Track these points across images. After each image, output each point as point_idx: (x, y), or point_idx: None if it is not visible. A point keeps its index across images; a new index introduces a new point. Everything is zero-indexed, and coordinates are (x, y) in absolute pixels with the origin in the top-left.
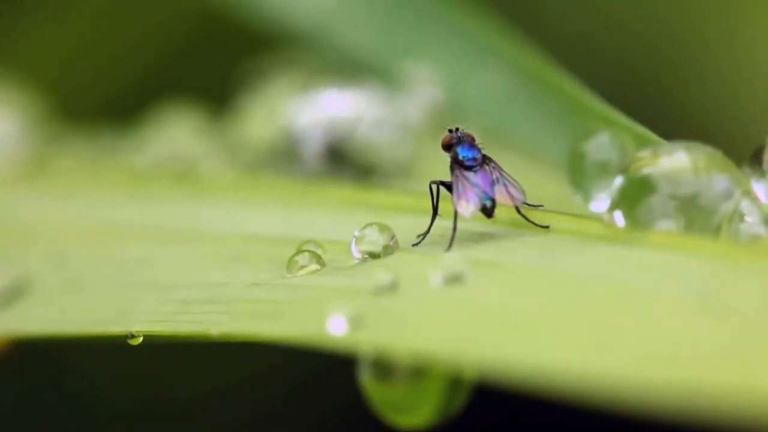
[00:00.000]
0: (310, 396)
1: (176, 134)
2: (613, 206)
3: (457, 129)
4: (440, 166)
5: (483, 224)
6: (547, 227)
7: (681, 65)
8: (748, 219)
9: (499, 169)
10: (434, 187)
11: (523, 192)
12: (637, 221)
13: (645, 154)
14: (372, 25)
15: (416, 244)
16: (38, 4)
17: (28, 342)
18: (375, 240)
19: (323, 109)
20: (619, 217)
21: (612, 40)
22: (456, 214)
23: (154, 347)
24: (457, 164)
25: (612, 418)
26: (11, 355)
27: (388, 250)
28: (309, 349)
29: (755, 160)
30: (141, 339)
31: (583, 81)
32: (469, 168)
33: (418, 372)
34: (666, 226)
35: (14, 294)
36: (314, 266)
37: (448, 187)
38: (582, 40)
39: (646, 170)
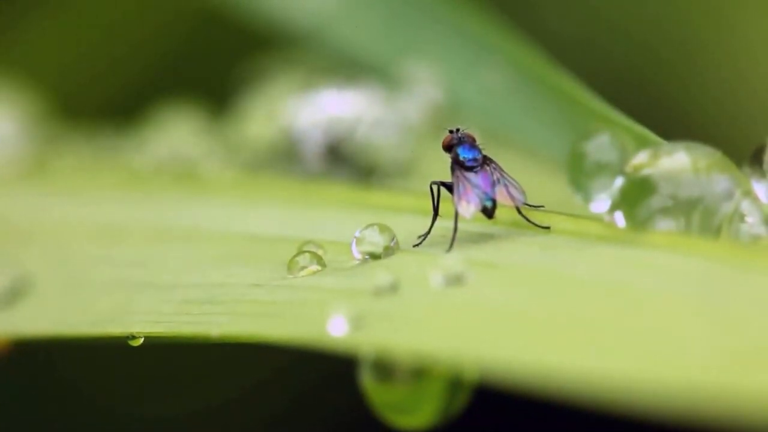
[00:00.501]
0: (311, 404)
1: (176, 134)
2: (614, 207)
3: (457, 129)
4: (440, 166)
5: (484, 225)
6: (547, 228)
7: (680, 67)
8: (749, 219)
9: (500, 169)
10: (435, 187)
11: (523, 193)
12: (638, 222)
13: (645, 154)
14: (372, 25)
15: (417, 245)
16: (38, 3)
17: (21, 348)
18: (375, 241)
19: (323, 109)
20: (619, 218)
21: (611, 43)
22: (457, 214)
23: (153, 355)
24: (457, 165)
25: (612, 418)
26: (10, 357)
27: (389, 250)
28: (310, 353)
29: (755, 161)
30: (141, 340)
31: (583, 83)
32: (469, 169)
33: (419, 373)
34: (666, 226)
35: (14, 294)
36: (315, 267)
37: (449, 187)
38: (581, 43)
39: (647, 171)
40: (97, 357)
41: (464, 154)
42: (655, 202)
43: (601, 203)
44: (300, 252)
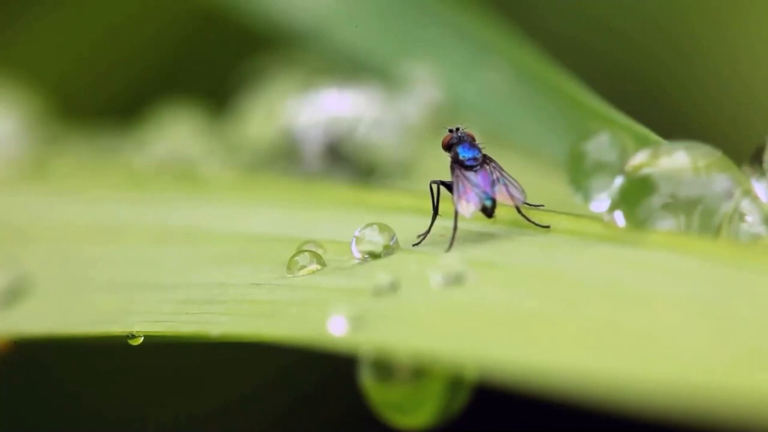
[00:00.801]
0: (311, 405)
1: (176, 134)
2: (614, 206)
3: (457, 129)
4: (440, 165)
5: (483, 224)
6: (547, 227)
7: (680, 67)
8: (748, 219)
9: (500, 169)
10: (434, 186)
11: (523, 192)
12: (638, 221)
13: (645, 154)
14: (372, 25)
15: (416, 245)
16: (38, 2)
17: (21, 351)
18: (375, 240)
19: (323, 109)
20: (619, 217)
21: (610, 43)
22: (456, 214)
23: (153, 359)
24: (457, 164)
25: (612, 418)
26: (10, 358)
27: (389, 250)
28: (310, 353)
29: (755, 160)
30: (141, 339)
31: (583, 83)
32: (469, 168)
33: (419, 372)
34: (666, 226)
35: (14, 294)
36: (314, 266)
37: (449, 187)
38: (580, 44)
39: (646, 170)
40: (96, 360)
41: (464, 153)
42: (655, 201)
43: (600, 203)
44: (300, 251)
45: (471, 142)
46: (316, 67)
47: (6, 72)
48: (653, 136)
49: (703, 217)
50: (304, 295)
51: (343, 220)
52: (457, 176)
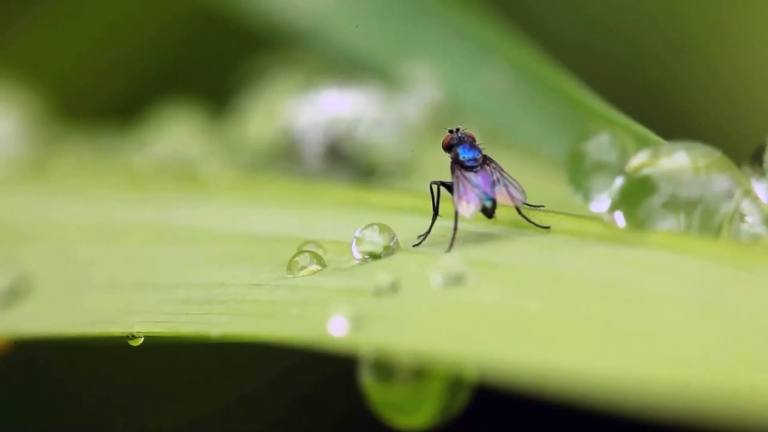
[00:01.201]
0: (311, 407)
1: (176, 134)
2: (614, 206)
3: (457, 129)
4: (440, 166)
5: (483, 225)
6: (547, 228)
7: (680, 67)
8: (749, 219)
9: (500, 169)
10: (435, 187)
11: (523, 192)
12: (638, 221)
13: (645, 154)
14: (372, 25)
15: (417, 245)
16: (39, 2)
17: (20, 354)
18: (375, 240)
19: (323, 109)
20: (619, 218)
21: (610, 44)
22: (457, 214)
23: (153, 361)
24: (457, 165)
25: (612, 418)
26: (10, 359)
27: (389, 250)
28: (310, 354)
29: (755, 160)
30: (141, 340)
31: (583, 83)
32: (469, 168)
33: (419, 372)
34: (666, 226)
35: (14, 294)
36: (315, 267)
37: (449, 187)
38: (580, 44)
39: (647, 170)
40: (97, 360)
41: (464, 154)
42: (655, 201)
43: (601, 203)
44: (300, 252)
45: (471, 143)
46: (316, 67)
47: (6, 72)
48: (653, 136)
49: (703, 217)
50: (304, 296)
51: (343, 220)
52: (458, 177)
